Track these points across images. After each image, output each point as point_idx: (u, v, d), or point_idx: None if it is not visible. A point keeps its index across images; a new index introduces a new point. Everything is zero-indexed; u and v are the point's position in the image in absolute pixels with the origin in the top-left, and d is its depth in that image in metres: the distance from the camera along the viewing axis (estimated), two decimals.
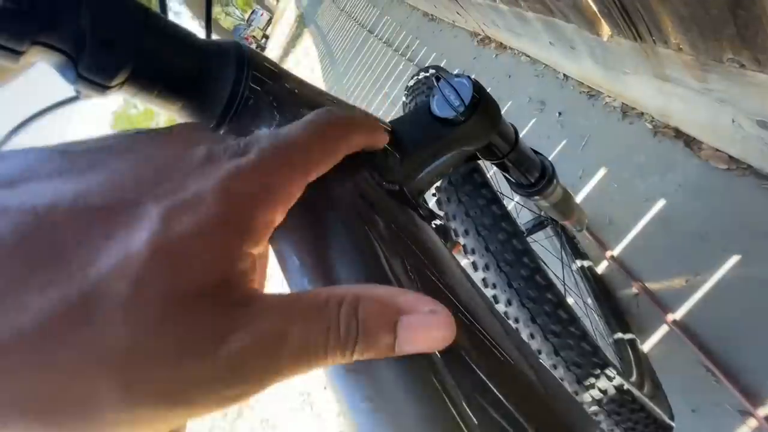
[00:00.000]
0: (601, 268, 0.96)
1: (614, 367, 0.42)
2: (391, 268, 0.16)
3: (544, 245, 0.90)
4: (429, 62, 2.27)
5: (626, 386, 0.42)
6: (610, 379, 0.41)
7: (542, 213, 0.77)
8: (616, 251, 0.95)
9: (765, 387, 0.66)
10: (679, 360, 0.77)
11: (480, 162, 0.45)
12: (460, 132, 0.26)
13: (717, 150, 0.86)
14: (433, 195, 0.47)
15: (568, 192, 0.51)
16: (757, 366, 0.68)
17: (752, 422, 0.66)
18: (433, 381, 0.13)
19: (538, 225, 0.77)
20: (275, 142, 0.13)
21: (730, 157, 0.84)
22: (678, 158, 0.93)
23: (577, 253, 0.94)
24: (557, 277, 0.74)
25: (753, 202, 0.78)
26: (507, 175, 0.43)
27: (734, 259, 0.77)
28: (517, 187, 0.43)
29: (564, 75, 1.34)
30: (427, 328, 0.11)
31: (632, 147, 1.03)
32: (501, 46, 1.73)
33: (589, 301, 0.87)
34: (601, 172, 1.08)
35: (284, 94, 0.18)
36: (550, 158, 1.34)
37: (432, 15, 2.53)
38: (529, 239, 0.82)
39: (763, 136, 0.72)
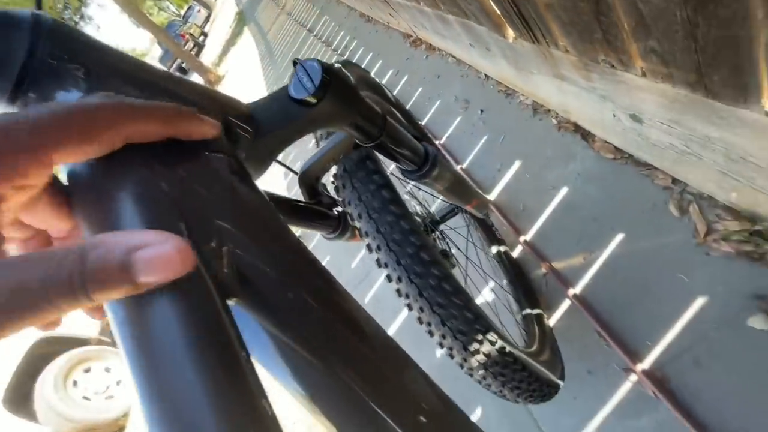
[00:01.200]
0: (516, 252, 1.04)
1: (496, 331, 0.46)
2: (186, 223, 0.17)
3: (462, 233, 0.96)
4: (366, 62, 2.30)
5: (508, 349, 0.47)
6: (492, 343, 0.45)
7: (456, 209, 0.82)
8: (528, 236, 1.04)
9: (643, 346, 0.76)
10: (578, 329, 0.86)
11: (373, 151, 0.47)
12: (314, 112, 0.28)
13: (606, 142, 0.97)
14: (332, 182, 0.49)
15: (461, 177, 0.56)
16: (637, 328, 0.78)
17: (633, 377, 0.75)
18: (208, 322, 0.14)
19: (450, 212, 0.82)
20: (4, 122, 0.14)
21: (616, 147, 0.95)
22: (577, 150, 1.04)
23: (495, 239, 1.01)
24: (468, 259, 0.80)
25: (633, 187, 0.89)
26: (396, 164, 0.46)
27: (620, 237, 0.87)
28: (406, 173, 0.46)
29: (485, 75, 1.43)
30: (158, 258, 0.13)
31: (541, 141, 1.13)
32: (430, 47, 1.81)
33: (505, 282, 0.94)
34: (516, 165, 1.17)
35: (93, 64, 0.19)
36: (473, 153, 1.41)
37: (368, 16, 2.57)
38: (445, 227, 0.87)
39: (636, 128, 0.82)
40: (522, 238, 1.04)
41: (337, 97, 0.29)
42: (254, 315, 0.17)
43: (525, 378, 0.50)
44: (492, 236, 1.01)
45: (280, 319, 0.17)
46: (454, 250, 0.87)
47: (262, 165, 0.28)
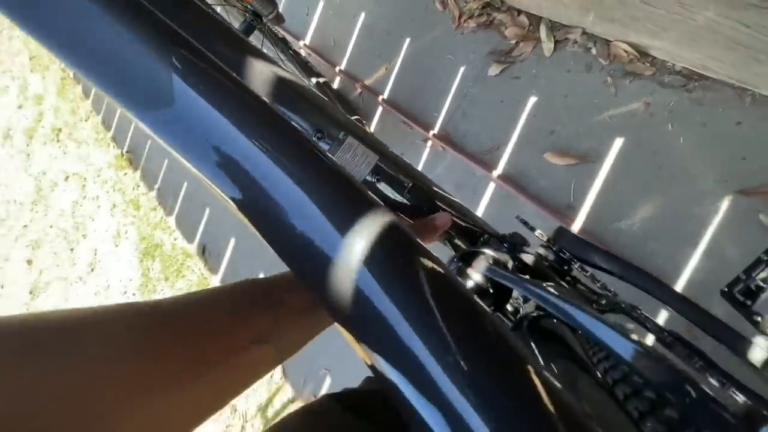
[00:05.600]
0: (335, 82, 1.14)
1: None
2: None
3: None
4: None
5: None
6: None
7: (247, 15, 0.84)
8: (342, 65, 1.14)
9: (432, 117, 0.97)
10: (391, 125, 1.04)
11: None
12: None
13: None
14: None
15: None
16: (428, 106, 0.98)
17: (430, 143, 0.97)
18: None
19: (249, 28, 0.84)
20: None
21: None
22: None
23: (312, 72, 1.07)
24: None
25: None
26: None
27: (407, 41, 1.03)
28: None
29: None
30: None
31: None
32: None
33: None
34: (321, 5, 1.21)
35: None
36: (282, 1, 1.37)
37: None
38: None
39: None
40: (337, 69, 1.13)
41: None
42: None
43: None
44: (309, 70, 1.07)
45: None
46: None
47: None
